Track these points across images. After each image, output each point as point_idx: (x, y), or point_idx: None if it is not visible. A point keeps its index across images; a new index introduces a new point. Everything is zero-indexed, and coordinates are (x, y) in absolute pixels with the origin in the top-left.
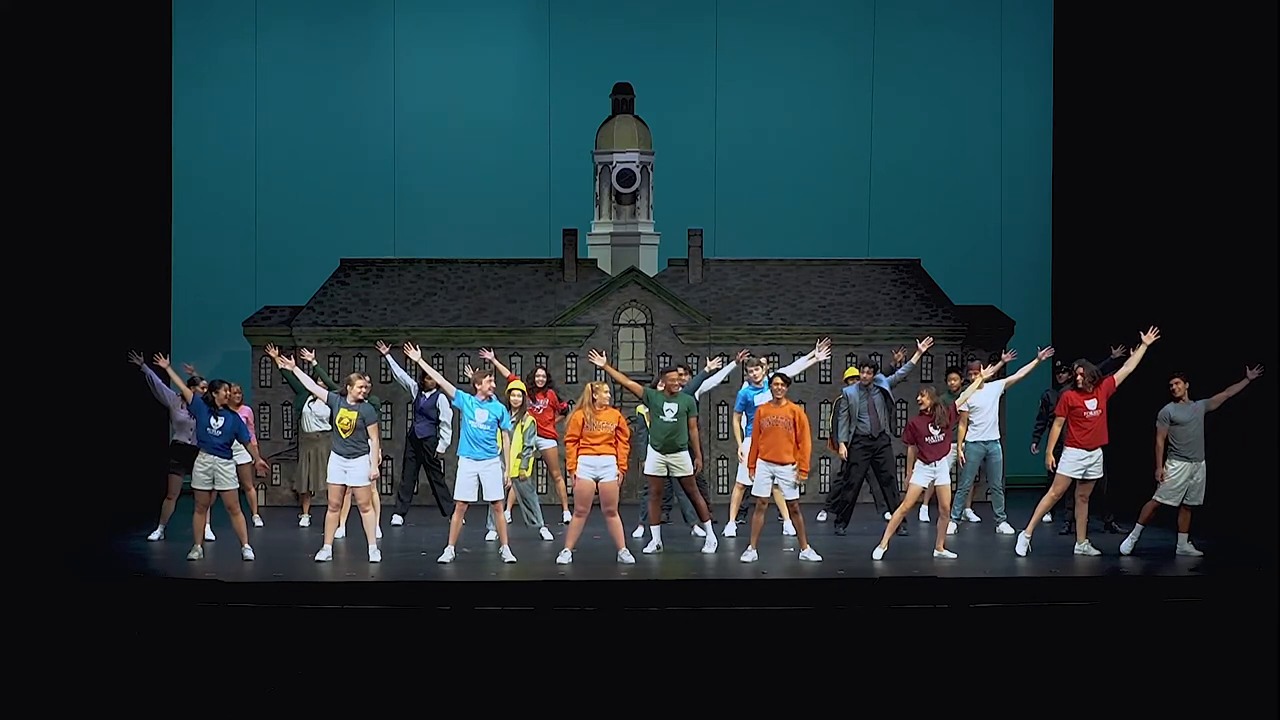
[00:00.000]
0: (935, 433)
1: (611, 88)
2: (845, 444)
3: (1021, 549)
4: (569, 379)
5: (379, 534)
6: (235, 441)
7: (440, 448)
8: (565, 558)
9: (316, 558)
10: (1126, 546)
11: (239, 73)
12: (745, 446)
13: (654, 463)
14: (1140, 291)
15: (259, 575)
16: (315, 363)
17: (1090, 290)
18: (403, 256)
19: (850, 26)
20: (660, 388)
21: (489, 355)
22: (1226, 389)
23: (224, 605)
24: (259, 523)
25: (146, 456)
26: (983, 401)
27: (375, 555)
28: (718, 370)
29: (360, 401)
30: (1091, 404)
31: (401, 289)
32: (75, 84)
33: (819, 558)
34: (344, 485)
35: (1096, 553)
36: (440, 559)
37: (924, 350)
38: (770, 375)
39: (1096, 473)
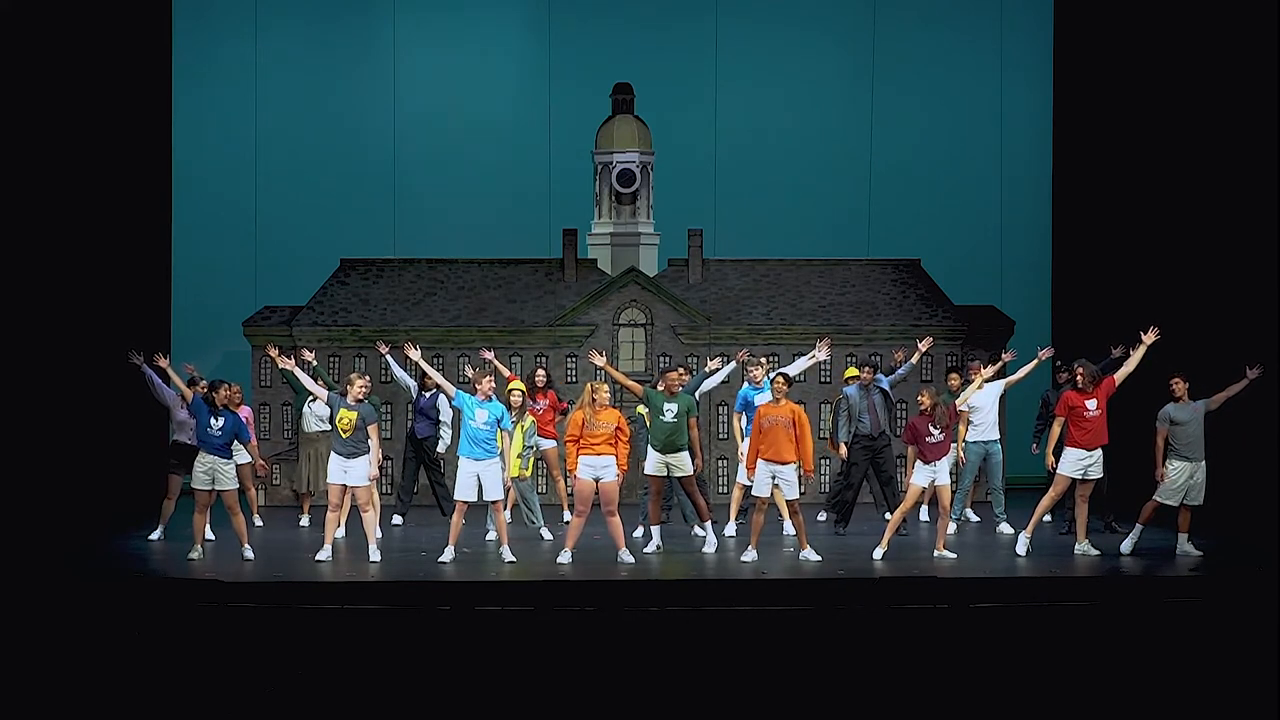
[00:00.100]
0: (935, 433)
1: (611, 88)
2: (845, 444)
3: (1021, 549)
4: (569, 379)
5: (379, 534)
6: (235, 441)
7: (440, 448)
8: (565, 558)
9: (316, 558)
10: (1126, 546)
11: (239, 73)
12: (745, 447)
13: (654, 463)
14: (1140, 291)
15: (259, 575)
16: (315, 363)
17: (1090, 290)
18: (403, 256)
19: (850, 26)
20: (660, 388)
21: (489, 355)
22: (1226, 389)
23: (224, 605)
24: (259, 523)
25: (146, 456)
26: (983, 401)
27: (375, 555)
28: (718, 370)
29: (360, 401)
30: (1091, 404)
31: (401, 289)
32: (75, 84)
33: (819, 558)
34: (344, 485)
35: (1096, 553)
36: (440, 559)
37: (924, 350)
38: (772, 375)
39: (1096, 473)
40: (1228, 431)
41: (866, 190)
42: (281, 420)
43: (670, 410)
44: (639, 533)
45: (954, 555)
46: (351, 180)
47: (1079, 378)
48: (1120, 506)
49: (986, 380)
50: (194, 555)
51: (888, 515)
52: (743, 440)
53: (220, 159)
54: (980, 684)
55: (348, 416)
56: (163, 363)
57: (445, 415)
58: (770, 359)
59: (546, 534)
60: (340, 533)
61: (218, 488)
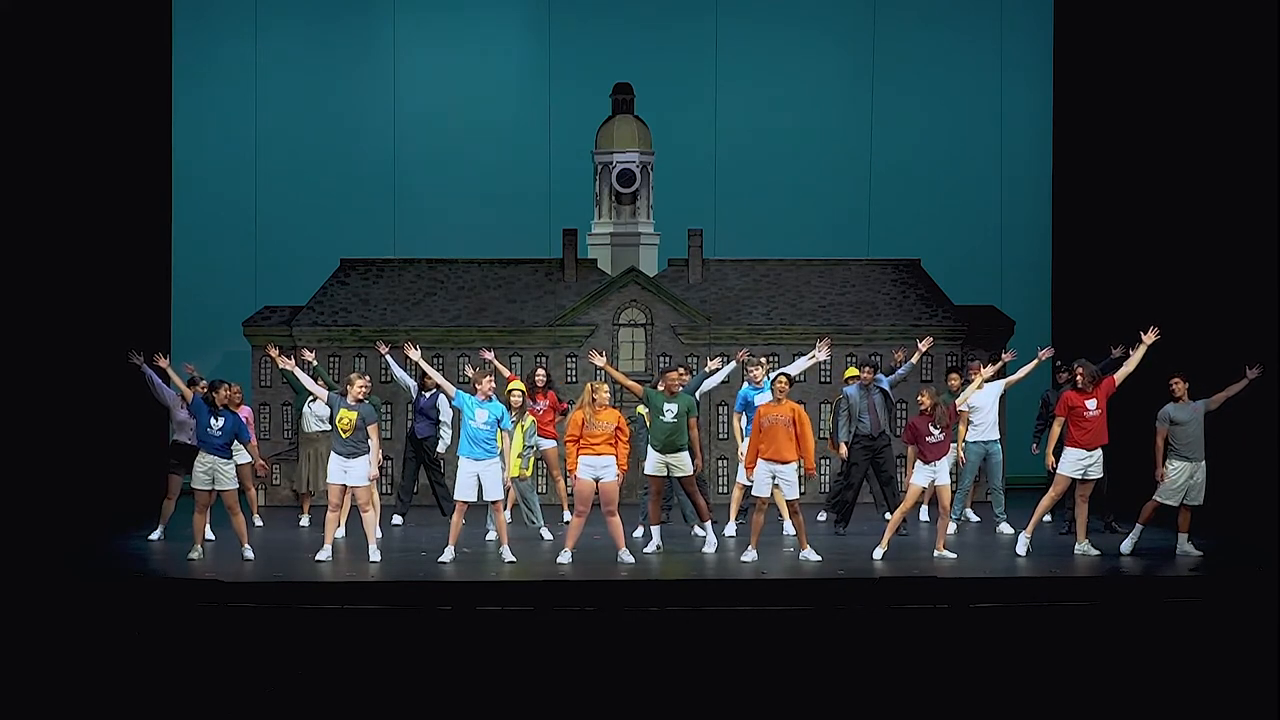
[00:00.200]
0: (935, 433)
1: (611, 88)
2: (845, 444)
3: (1021, 549)
4: (569, 379)
5: (379, 534)
6: (235, 441)
7: (440, 448)
8: (565, 558)
9: (316, 558)
10: (1126, 546)
11: (239, 73)
12: (745, 446)
13: (654, 463)
14: (1140, 291)
15: (259, 575)
16: (316, 363)
17: (1090, 290)
18: (403, 256)
19: (850, 26)
20: (660, 388)
21: (489, 355)
22: (1226, 389)
23: (224, 605)
24: (259, 523)
25: (146, 456)
26: (983, 401)
27: (375, 555)
28: (718, 370)
29: (360, 401)
30: (1091, 404)
31: (401, 289)
32: (76, 84)
33: (819, 558)
34: (344, 485)
35: (1096, 553)
36: (440, 559)
37: (924, 350)
38: (773, 375)
39: (1096, 473)
40: (1228, 431)
41: (866, 190)
42: (281, 420)
43: (670, 410)
44: (639, 533)
45: (954, 555)
46: (351, 180)
47: (1079, 378)
48: (1120, 506)
49: (986, 380)
50: (194, 555)
51: (888, 515)
52: (743, 440)
53: (220, 159)
54: (980, 684)
55: (348, 416)
56: (163, 363)
57: (445, 415)
58: (770, 359)
59: (546, 534)
60: (340, 533)
61: (218, 488)
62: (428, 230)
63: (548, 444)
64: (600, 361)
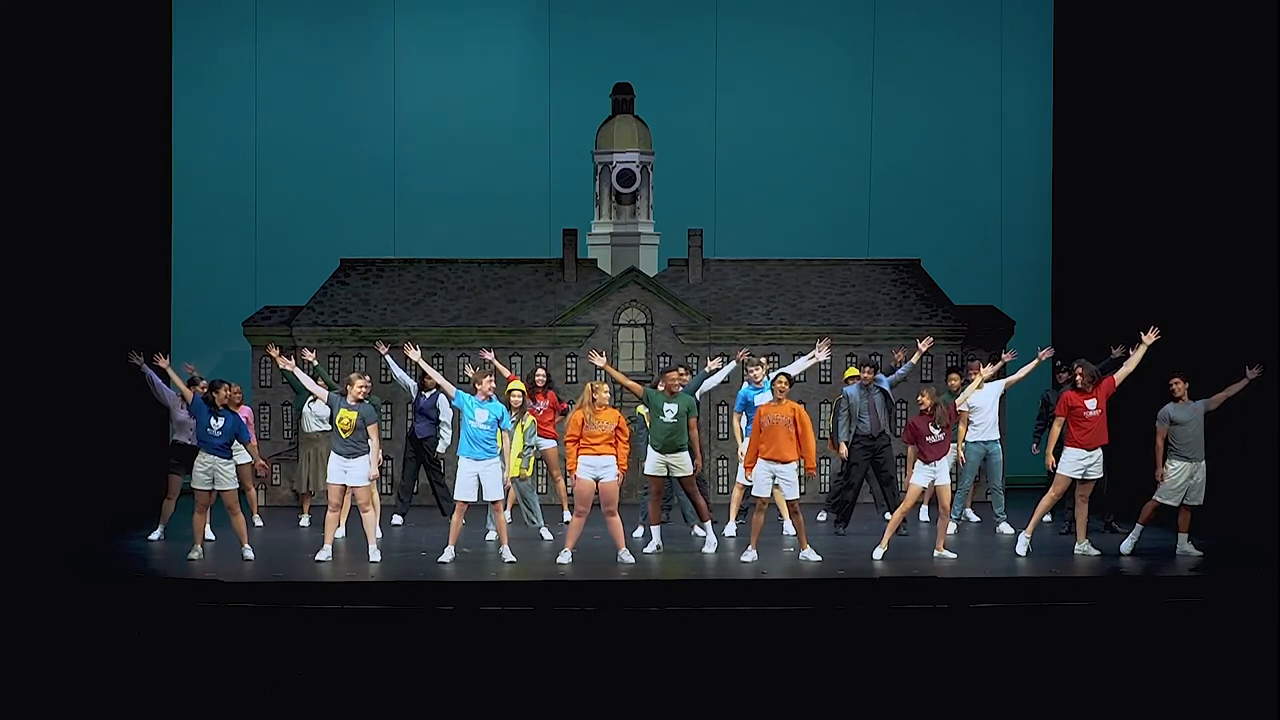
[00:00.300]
0: (935, 432)
1: (611, 88)
2: (845, 444)
3: (1021, 549)
4: (569, 379)
5: (379, 534)
6: (235, 441)
7: (440, 448)
8: (565, 558)
9: (316, 558)
10: (1126, 546)
11: (239, 73)
12: (745, 446)
13: (654, 463)
14: (1140, 291)
15: (259, 575)
16: (316, 363)
17: (1090, 290)
18: (403, 256)
19: (850, 26)
20: (660, 388)
21: (489, 355)
22: (1226, 389)
23: (224, 605)
24: (259, 523)
25: (146, 456)
26: (983, 401)
27: (375, 555)
28: (718, 370)
29: (360, 401)
30: (1091, 404)
31: (401, 289)
32: (76, 84)
33: (819, 558)
34: (344, 485)
35: (1096, 553)
36: (440, 559)
37: (924, 350)
38: (773, 375)
39: (1096, 473)
40: (1228, 431)
41: (866, 190)
42: (281, 420)
43: (670, 410)
44: (639, 533)
45: (954, 555)
46: (351, 180)
47: (1079, 378)
48: (1120, 506)
49: (986, 380)
50: (194, 555)
51: (888, 515)
52: (743, 440)
53: (220, 159)
54: (980, 684)
55: (348, 416)
56: (163, 363)
57: (445, 415)
58: (770, 359)
59: (546, 534)
60: (340, 533)
61: (218, 488)
62: (428, 230)
63: (548, 444)
64: (600, 361)
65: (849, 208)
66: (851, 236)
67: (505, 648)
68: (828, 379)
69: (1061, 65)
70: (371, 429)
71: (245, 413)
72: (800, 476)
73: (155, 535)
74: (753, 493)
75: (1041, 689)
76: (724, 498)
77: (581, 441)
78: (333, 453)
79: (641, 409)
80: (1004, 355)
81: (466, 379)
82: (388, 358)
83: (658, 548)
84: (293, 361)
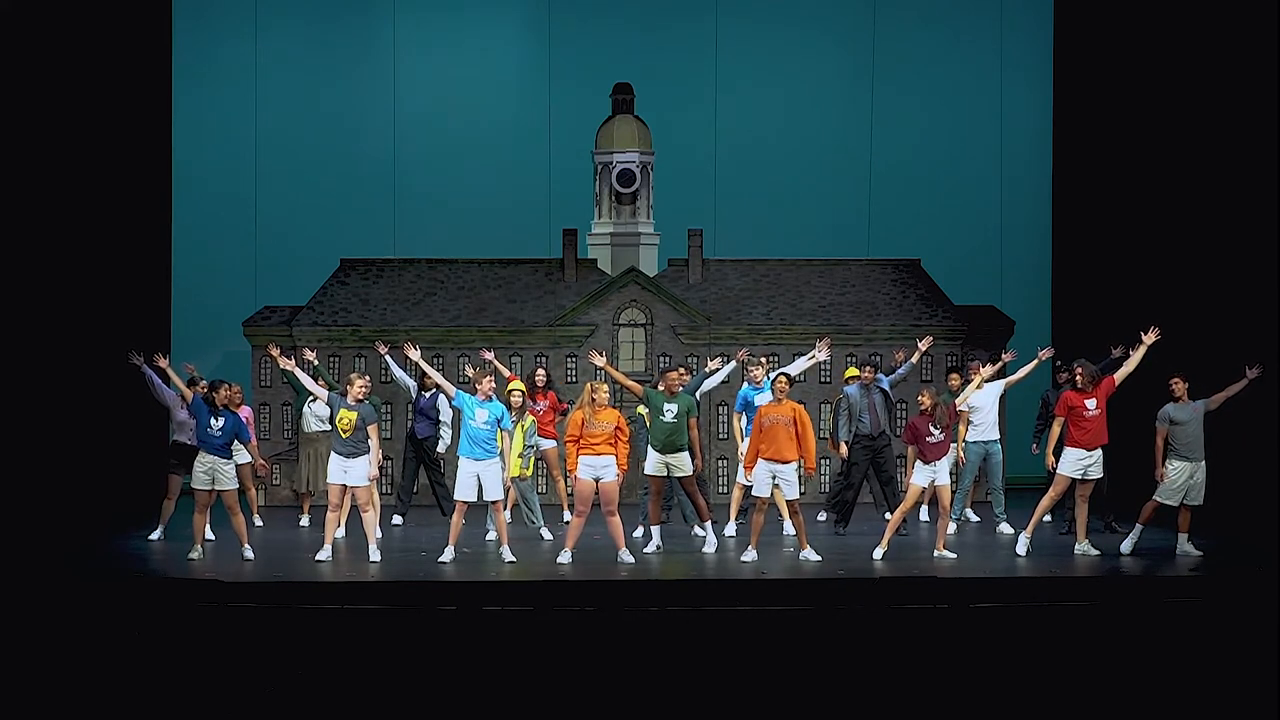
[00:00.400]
0: (935, 432)
1: (611, 88)
2: (845, 444)
3: (1021, 549)
4: (569, 379)
5: (379, 534)
6: (235, 441)
7: (440, 448)
8: (565, 558)
9: (316, 558)
10: (1126, 546)
11: (239, 73)
12: (745, 446)
13: (654, 463)
14: (1140, 291)
15: (259, 575)
16: (317, 362)
17: (1090, 290)
18: (403, 256)
19: (850, 26)
20: (660, 388)
21: (489, 355)
22: (1226, 389)
23: (224, 605)
24: (259, 523)
25: (146, 456)
26: (983, 401)
27: (375, 555)
28: (718, 370)
29: (360, 401)
30: (1091, 404)
31: (401, 289)
32: (76, 84)
33: (819, 558)
34: (344, 485)
35: (1096, 553)
36: (440, 559)
37: (924, 350)
38: (773, 375)
39: (1096, 473)
40: (1228, 431)
41: (866, 190)
42: (281, 420)
43: (670, 410)
44: (639, 533)
45: (954, 555)
46: (351, 180)
47: (1079, 378)
48: (1120, 506)
49: (986, 380)
50: (194, 555)
51: (888, 515)
52: (743, 440)
53: (220, 159)
54: (980, 684)
55: (348, 416)
56: (162, 363)
57: (445, 415)
58: (770, 359)
59: (546, 534)
60: (340, 533)
61: (218, 488)
62: (428, 230)
63: (548, 444)
64: (600, 361)
65: (849, 208)
66: (851, 236)
67: (505, 648)
68: (828, 379)
69: (1061, 65)
70: (371, 429)
71: (245, 413)
72: (800, 476)
73: (155, 535)
74: (753, 493)
75: (1041, 689)
76: (724, 498)
77: (581, 441)
78: (333, 453)
79: (641, 409)
80: (1004, 355)
81: (466, 379)
82: (388, 358)
83: (658, 548)
84: (293, 361)
